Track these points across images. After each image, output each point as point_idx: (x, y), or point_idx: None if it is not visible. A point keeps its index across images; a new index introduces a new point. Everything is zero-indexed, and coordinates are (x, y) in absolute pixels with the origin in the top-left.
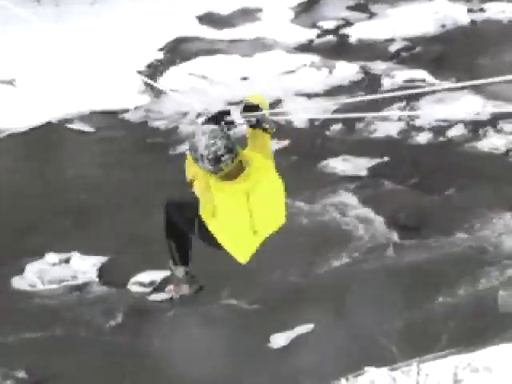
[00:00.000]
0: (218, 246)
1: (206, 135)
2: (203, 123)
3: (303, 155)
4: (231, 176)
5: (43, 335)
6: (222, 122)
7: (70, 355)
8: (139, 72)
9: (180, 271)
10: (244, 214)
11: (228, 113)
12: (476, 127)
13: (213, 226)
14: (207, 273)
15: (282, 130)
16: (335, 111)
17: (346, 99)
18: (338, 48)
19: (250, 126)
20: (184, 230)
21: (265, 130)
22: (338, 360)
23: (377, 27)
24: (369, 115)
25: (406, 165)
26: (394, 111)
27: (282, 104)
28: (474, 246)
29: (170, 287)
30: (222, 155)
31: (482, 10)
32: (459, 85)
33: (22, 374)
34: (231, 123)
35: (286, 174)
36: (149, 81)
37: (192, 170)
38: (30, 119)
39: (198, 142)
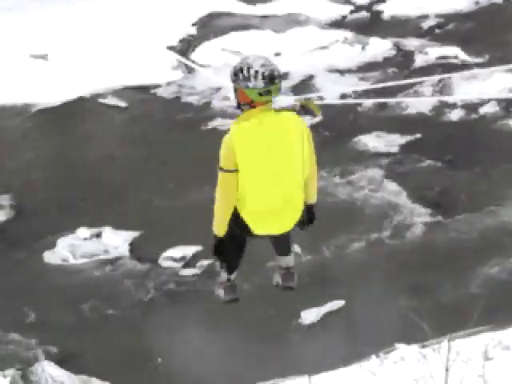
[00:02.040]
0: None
1: (261, 58)
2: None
3: (335, 131)
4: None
5: (74, 309)
6: None
7: (100, 329)
8: (171, 48)
9: (223, 277)
10: (264, 162)
11: None
12: (508, 105)
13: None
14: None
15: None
16: (368, 90)
17: (378, 83)
18: (370, 24)
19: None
20: (239, 243)
21: (312, 114)
22: (369, 337)
23: (410, 3)
24: (400, 100)
25: (438, 142)
26: (425, 96)
27: (313, 80)
28: (506, 223)
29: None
30: (277, 76)
31: None
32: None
33: (53, 348)
34: None
35: (318, 149)
36: (179, 57)
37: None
38: (63, 94)
39: (252, 61)
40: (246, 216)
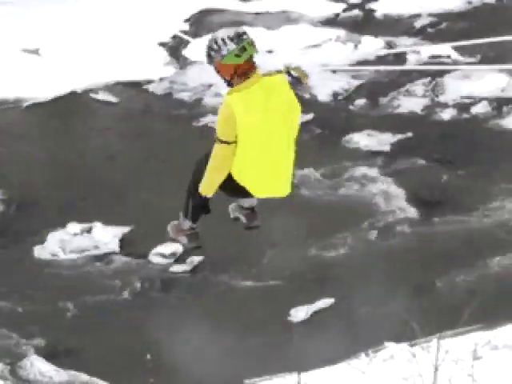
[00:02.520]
0: (242, 191)
1: (223, 29)
2: None
3: (327, 129)
4: (247, 74)
5: (63, 304)
6: None
7: (89, 325)
8: (163, 44)
9: (186, 224)
10: (262, 129)
11: None
12: (500, 104)
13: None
14: (228, 244)
15: (305, 104)
16: (359, 86)
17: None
18: (363, 23)
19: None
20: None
21: (299, 81)
22: (358, 335)
23: (403, 2)
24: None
25: (430, 141)
26: (417, 95)
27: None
28: (498, 223)
29: (172, 223)
30: (243, 33)
31: None
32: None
33: (41, 344)
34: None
35: (309, 147)
36: (184, 36)
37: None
38: (55, 88)
39: (216, 34)
40: (246, 182)
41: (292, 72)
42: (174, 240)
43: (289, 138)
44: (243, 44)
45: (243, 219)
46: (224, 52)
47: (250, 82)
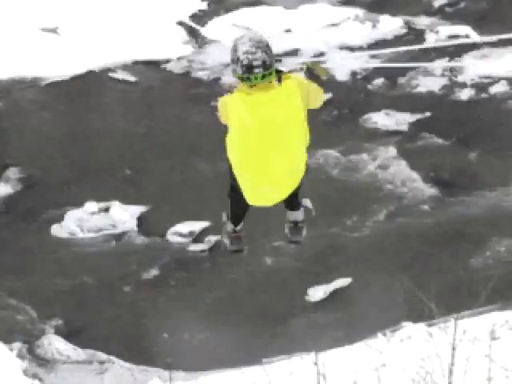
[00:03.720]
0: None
1: (251, 42)
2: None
3: (345, 109)
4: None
5: (81, 284)
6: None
7: (107, 304)
8: (182, 23)
9: (228, 226)
10: (255, 134)
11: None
12: None
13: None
14: (246, 224)
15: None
16: (378, 67)
17: (388, 51)
18: (382, 2)
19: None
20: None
21: (318, 78)
22: (376, 315)
23: None
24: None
25: (448, 121)
26: (435, 75)
27: (325, 57)
28: None
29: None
30: (256, 66)
31: None
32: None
33: (59, 323)
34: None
35: (328, 127)
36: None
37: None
38: (73, 67)
39: (241, 44)
40: (239, 181)
41: (311, 68)
42: (222, 239)
43: (286, 150)
44: (250, 76)
45: (287, 232)
46: (233, 67)
47: (255, 89)
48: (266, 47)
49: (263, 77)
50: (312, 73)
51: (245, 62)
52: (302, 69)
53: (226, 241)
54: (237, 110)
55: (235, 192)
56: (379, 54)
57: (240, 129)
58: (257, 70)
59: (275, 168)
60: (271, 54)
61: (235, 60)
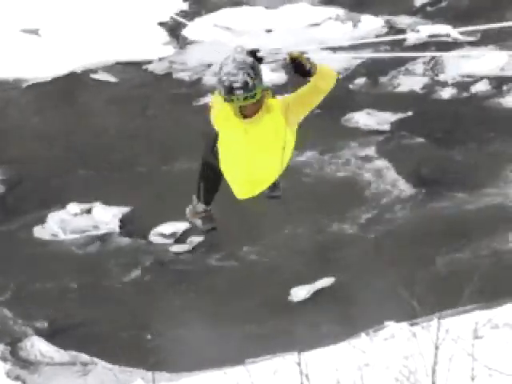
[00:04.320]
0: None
1: (234, 63)
2: (240, 51)
3: (326, 108)
4: (245, 114)
5: (63, 285)
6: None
7: (89, 305)
8: (163, 24)
9: (200, 207)
10: (240, 149)
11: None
12: (500, 83)
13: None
14: (229, 226)
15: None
16: (359, 65)
17: (370, 54)
18: (363, 1)
19: (295, 72)
20: (217, 172)
21: (307, 72)
22: (359, 314)
23: None
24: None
25: (430, 120)
26: (416, 74)
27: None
28: (497, 202)
29: (189, 206)
30: (236, 88)
31: None
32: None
33: (42, 324)
34: (260, 59)
35: (309, 126)
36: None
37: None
38: (54, 69)
39: (224, 65)
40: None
41: (295, 58)
42: (190, 222)
43: (265, 161)
44: (232, 97)
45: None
46: (217, 86)
47: (241, 111)
48: (249, 68)
49: (245, 98)
50: (296, 62)
51: (225, 84)
52: (285, 59)
53: (198, 222)
54: (222, 124)
55: (209, 168)
56: (361, 53)
57: (223, 142)
58: (238, 92)
59: (251, 176)
60: (255, 75)
61: (218, 81)
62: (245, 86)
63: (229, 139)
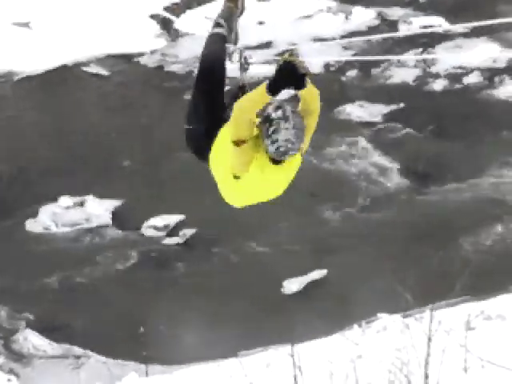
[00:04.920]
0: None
1: (294, 129)
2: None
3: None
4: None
5: (57, 278)
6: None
7: (83, 298)
8: (155, 16)
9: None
10: (256, 184)
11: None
12: (492, 75)
13: (217, 173)
14: (222, 220)
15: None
16: (352, 56)
17: (361, 40)
18: None
19: (282, 77)
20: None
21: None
22: (351, 306)
23: None
24: (387, 57)
25: (422, 112)
26: (409, 66)
27: (297, 49)
28: (491, 194)
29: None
30: (290, 155)
31: None
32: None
33: (34, 318)
34: (247, 64)
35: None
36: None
37: (243, 132)
38: (46, 62)
39: (283, 129)
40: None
41: (289, 61)
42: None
43: (278, 189)
44: (281, 158)
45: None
46: (265, 141)
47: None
48: (303, 135)
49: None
50: (290, 66)
51: (282, 149)
52: (277, 61)
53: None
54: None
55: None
56: (352, 45)
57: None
58: (288, 157)
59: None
60: (303, 135)
61: (272, 139)
62: (297, 151)
63: (256, 180)
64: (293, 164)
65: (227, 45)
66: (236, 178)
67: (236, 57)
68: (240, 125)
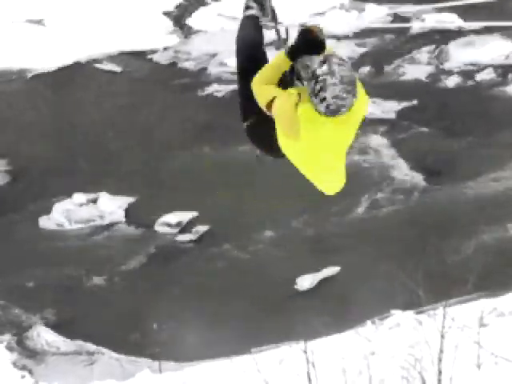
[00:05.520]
0: (274, 153)
1: (343, 84)
2: (342, 63)
3: None
4: None
5: (69, 275)
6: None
7: (96, 295)
8: (167, 13)
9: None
10: (328, 145)
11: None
12: (505, 71)
13: (289, 150)
14: (235, 217)
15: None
16: (364, 54)
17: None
18: None
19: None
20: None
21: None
22: (364, 303)
23: None
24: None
25: (435, 108)
26: (421, 63)
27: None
28: (502, 191)
29: None
30: (342, 112)
31: None
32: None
33: (48, 314)
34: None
35: None
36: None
37: (267, 92)
38: (59, 59)
39: (331, 84)
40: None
41: (309, 29)
42: None
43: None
44: (333, 115)
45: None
46: (314, 100)
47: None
48: (355, 87)
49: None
50: (310, 32)
51: (332, 107)
52: (300, 25)
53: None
54: (307, 126)
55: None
56: (365, 42)
57: (306, 145)
58: (340, 114)
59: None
60: (357, 90)
61: (320, 98)
62: (349, 108)
63: (315, 139)
64: (354, 114)
65: (265, 22)
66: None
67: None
68: (260, 89)
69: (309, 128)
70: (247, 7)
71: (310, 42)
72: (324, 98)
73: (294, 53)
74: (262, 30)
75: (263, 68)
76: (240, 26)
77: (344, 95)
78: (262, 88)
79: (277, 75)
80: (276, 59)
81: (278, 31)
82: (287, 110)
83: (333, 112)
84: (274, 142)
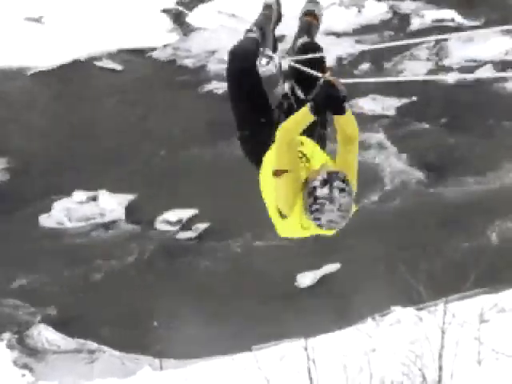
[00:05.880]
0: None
1: (340, 212)
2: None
3: None
4: None
5: (69, 273)
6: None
7: (96, 293)
8: (167, 10)
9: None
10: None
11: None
12: (505, 68)
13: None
14: (235, 214)
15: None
16: (364, 51)
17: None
18: None
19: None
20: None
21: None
22: (365, 299)
23: None
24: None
25: (434, 105)
26: (421, 59)
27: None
28: (503, 188)
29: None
30: (333, 228)
31: None
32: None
33: (49, 312)
34: (269, 57)
35: None
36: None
37: (286, 159)
38: (58, 57)
39: (327, 209)
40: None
41: (329, 82)
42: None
43: None
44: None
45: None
46: (308, 216)
47: None
48: (351, 212)
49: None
50: (331, 87)
51: (323, 228)
52: (319, 80)
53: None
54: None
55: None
56: (365, 39)
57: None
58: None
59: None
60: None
61: (315, 217)
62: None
63: (299, 227)
64: None
65: (266, 49)
66: (282, 216)
67: (270, 63)
68: (283, 148)
69: (297, 217)
70: (248, 31)
71: (332, 97)
72: (318, 219)
73: (316, 109)
74: (256, 47)
75: (288, 119)
76: (237, 43)
77: (338, 220)
78: (284, 151)
79: (299, 128)
80: (299, 113)
81: (280, 65)
82: (290, 193)
83: (323, 228)
84: (262, 158)
